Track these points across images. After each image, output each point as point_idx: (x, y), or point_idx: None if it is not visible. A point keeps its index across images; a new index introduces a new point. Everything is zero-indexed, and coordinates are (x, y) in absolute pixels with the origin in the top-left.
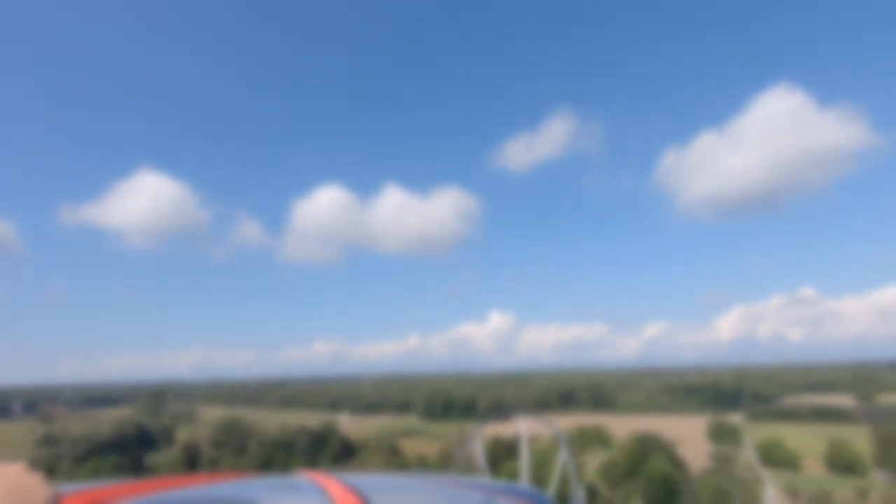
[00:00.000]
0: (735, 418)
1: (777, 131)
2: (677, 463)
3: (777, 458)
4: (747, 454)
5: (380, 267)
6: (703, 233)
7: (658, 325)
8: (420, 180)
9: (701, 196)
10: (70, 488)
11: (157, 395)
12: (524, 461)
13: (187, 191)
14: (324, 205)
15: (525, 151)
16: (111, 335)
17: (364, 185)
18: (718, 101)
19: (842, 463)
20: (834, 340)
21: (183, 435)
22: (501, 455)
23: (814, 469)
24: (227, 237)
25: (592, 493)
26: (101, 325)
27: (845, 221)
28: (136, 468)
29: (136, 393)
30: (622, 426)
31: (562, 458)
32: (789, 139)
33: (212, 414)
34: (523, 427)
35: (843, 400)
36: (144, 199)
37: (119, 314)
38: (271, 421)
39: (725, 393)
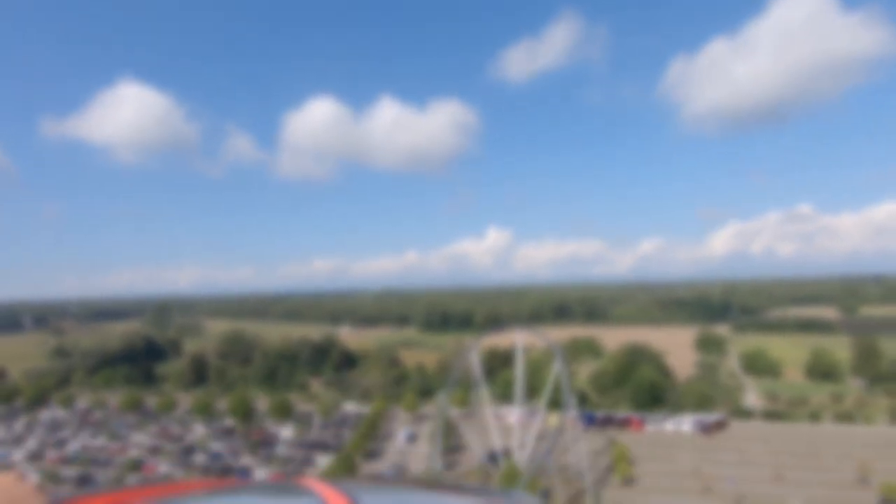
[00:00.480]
0: (722, 330)
1: (794, 37)
2: (664, 371)
3: (759, 366)
4: (731, 363)
5: (376, 182)
6: (705, 147)
7: (653, 241)
8: (416, 92)
9: (706, 108)
10: (63, 495)
11: (163, 309)
12: (519, 371)
13: (172, 103)
14: (317, 118)
15: (526, 60)
16: (111, 252)
17: (358, 98)
18: (734, 4)
19: (820, 371)
20: (825, 255)
21: (190, 347)
22: (497, 365)
23: (794, 376)
24: (218, 152)
25: (583, 400)
26: (101, 242)
27: (850, 136)
28: (147, 378)
29: (142, 307)
30: (614, 338)
31: (556, 367)
32: (805, 45)
33: (217, 327)
34: (519, 339)
35: (826, 312)
36: (128, 111)
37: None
38: (274, 334)
39: (714, 306)
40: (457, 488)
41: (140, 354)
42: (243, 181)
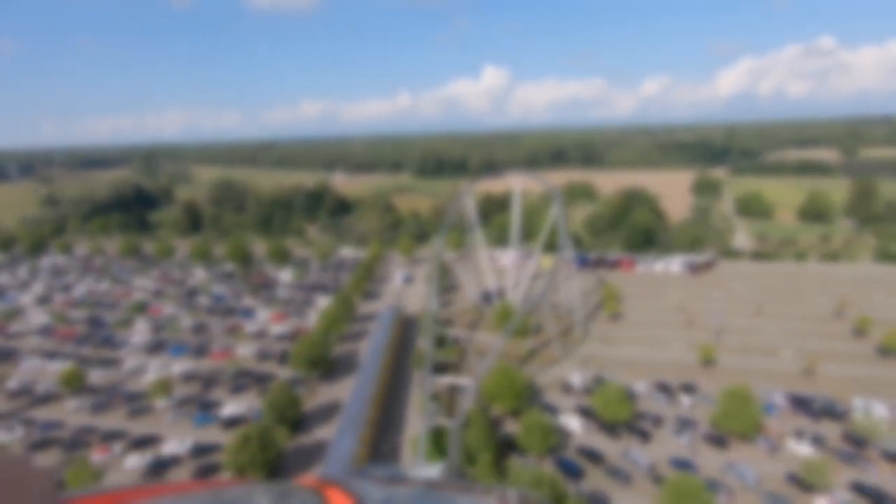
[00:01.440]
0: (720, 173)
1: None
2: (659, 214)
3: (753, 208)
4: (725, 206)
5: (363, 14)
6: None
7: (658, 80)
8: None
9: None
10: (78, 493)
11: (150, 156)
12: (515, 214)
13: None
14: None
15: None
16: (93, 98)
17: None
18: None
19: (813, 213)
20: (836, 96)
21: (181, 194)
22: (492, 210)
23: (786, 218)
24: None
25: (577, 242)
26: (81, 89)
27: None
28: (141, 225)
29: (128, 155)
30: (610, 182)
31: (553, 211)
32: None
33: (206, 175)
34: (516, 182)
35: (827, 154)
36: None
37: (96, 75)
38: (266, 181)
39: (715, 149)
40: (462, 487)
41: (131, 202)
42: (224, 15)
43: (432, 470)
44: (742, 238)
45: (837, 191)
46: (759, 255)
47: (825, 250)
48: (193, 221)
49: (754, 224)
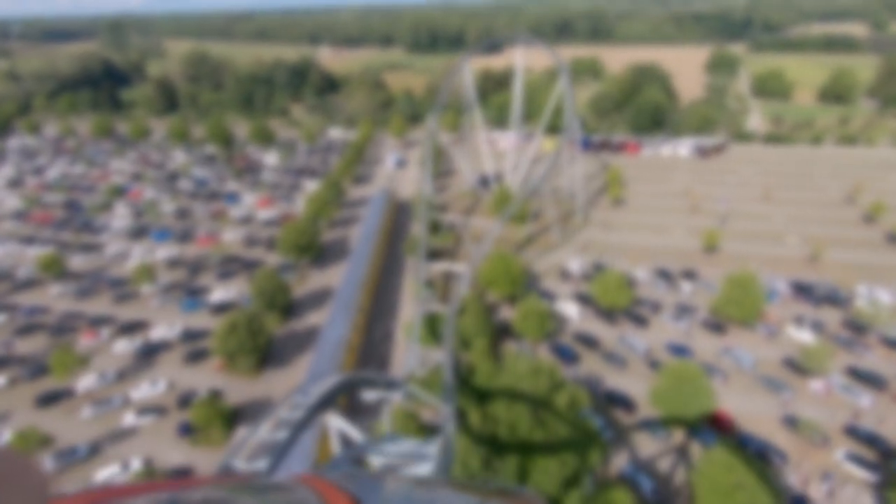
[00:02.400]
0: (738, 49)
1: None
2: (670, 93)
3: (771, 88)
4: (741, 85)
5: None
6: None
7: None
8: None
9: None
10: (62, 492)
11: (117, 27)
12: (517, 91)
13: None
14: None
15: None
16: None
17: None
18: None
19: (834, 93)
20: None
21: (153, 70)
22: (491, 88)
23: (805, 99)
24: None
25: (580, 124)
26: None
27: None
28: (113, 104)
29: (93, 26)
30: (619, 58)
31: (559, 87)
32: None
33: (179, 48)
34: (519, 55)
35: (856, 29)
36: None
37: None
38: (244, 55)
39: (735, 22)
40: (464, 486)
41: (100, 78)
42: None
43: (430, 448)
44: (756, 120)
45: (864, 69)
46: (773, 139)
47: (843, 133)
48: (168, 100)
49: (770, 105)
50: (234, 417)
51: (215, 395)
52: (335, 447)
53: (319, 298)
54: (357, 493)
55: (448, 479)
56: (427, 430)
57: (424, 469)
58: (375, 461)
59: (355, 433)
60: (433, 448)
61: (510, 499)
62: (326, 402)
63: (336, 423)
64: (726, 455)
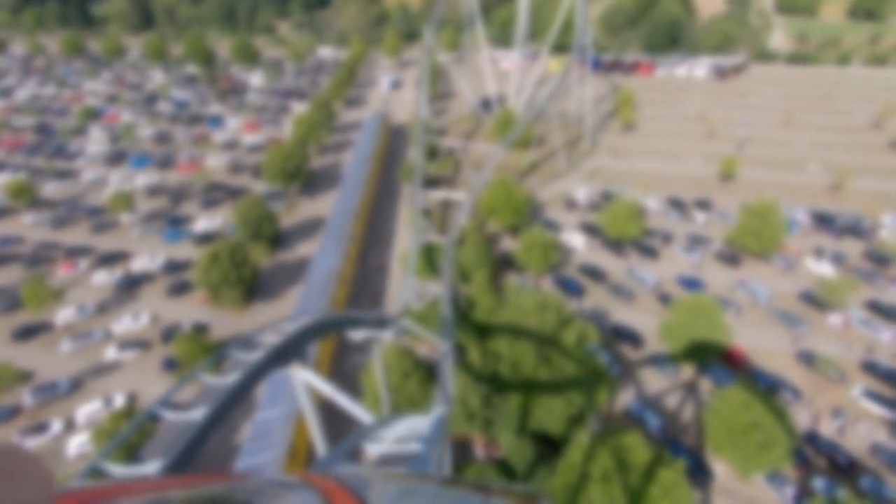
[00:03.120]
0: None
1: None
2: (688, 8)
3: (797, 3)
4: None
5: None
6: None
7: None
8: None
9: None
10: (60, 489)
11: None
12: (522, 5)
13: None
14: None
15: None
16: None
17: None
18: None
19: (865, 9)
20: None
21: None
22: (493, 2)
23: (832, 15)
24: None
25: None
26: None
27: None
28: (84, 19)
29: None
30: None
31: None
32: None
33: None
34: None
35: None
36: None
37: None
38: None
39: None
40: (470, 485)
41: None
42: None
43: (421, 422)
44: (779, 38)
45: None
46: (797, 58)
47: (872, 53)
48: (144, 15)
49: (795, 22)
50: (219, 350)
51: (200, 330)
52: (305, 407)
53: (310, 228)
54: (363, 493)
55: (456, 478)
56: (423, 368)
57: (422, 451)
58: (372, 449)
59: (328, 389)
60: (430, 425)
61: (517, 499)
62: (290, 350)
63: (304, 377)
64: (742, 393)
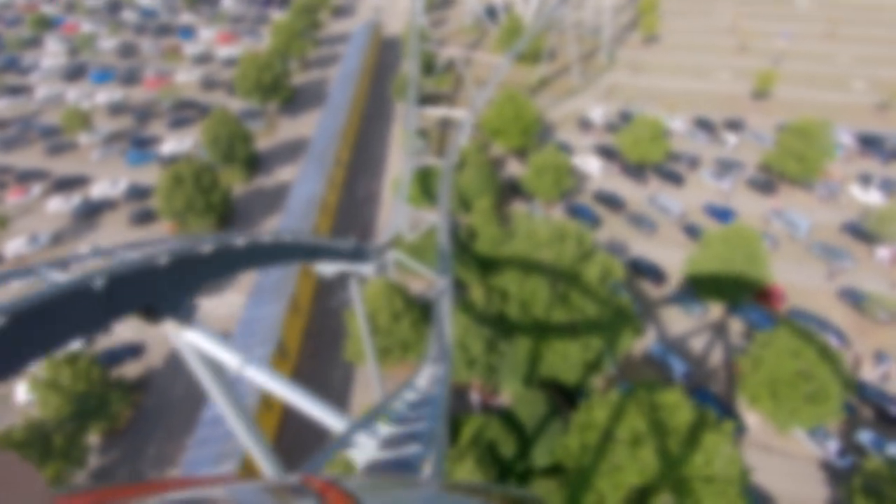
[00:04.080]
0: None
1: None
2: None
3: None
4: None
5: None
6: None
7: None
8: None
9: None
10: (59, 491)
11: None
12: None
13: None
14: None
15: None
16: None
17: None
18: None
19: None
20: None
21: None
22: None
23: None
24: None
25: None
26: None
27: None
28: None
29: None
30: None
31: None
32: None
33: None
34: None
35: None
36: None
37: None
38: None
39: None
40: (471, 489)
41: None
42: None
43: (411, 394)
44: None
45: None
46: None
47: None
48: None
49: None
50: None
51: None
52: (203, 380)
53: (291, 151)
54: (361, 497)
55: (455, 483)
56: (417, 308)
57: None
58: (356, 457)
59: (229, 359)
60: (425, 405)
61: None
62: (131, 296)
63: (191, 339)
64: (790, 337)
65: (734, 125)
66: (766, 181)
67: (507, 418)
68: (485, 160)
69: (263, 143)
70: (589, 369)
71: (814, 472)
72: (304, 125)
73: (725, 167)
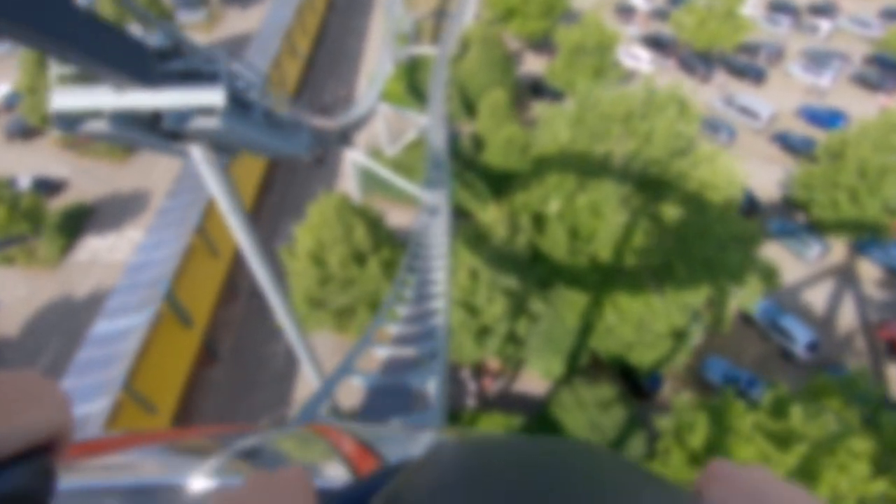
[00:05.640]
0: None
1: None
2: None
3: None
4: None
5: None
6: None
7: None
8: None
9: None
10: (89, 437)
11: None
12: None
13: None
14: None
15: None
16: None
17: None
18: None
19: None
20: None
21: None
22: None
23: None
24: None
25: None
26: None
27: None
28: None
29: None
30: None
31: None
32: None
33: None
34: None
35: None
36: None
37: None
38: None
39: None
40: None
41: None
42: None
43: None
44: None
45: None
46: None
47: None
48: None
49: None
50: (78, 220)
51: (48, 189)
52: None
53: (238, 47)
54: (383, 454)
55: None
56: (395, 249)
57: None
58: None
59: None
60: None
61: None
62: None
63: None
64: None
65: (822, 9)
66: (880, 76)
67: (542, 420)
68: (497, 49)
69: (204, 37)
70: (677, 342)
71: None
72: (255, 16)
73: (822, 58)
